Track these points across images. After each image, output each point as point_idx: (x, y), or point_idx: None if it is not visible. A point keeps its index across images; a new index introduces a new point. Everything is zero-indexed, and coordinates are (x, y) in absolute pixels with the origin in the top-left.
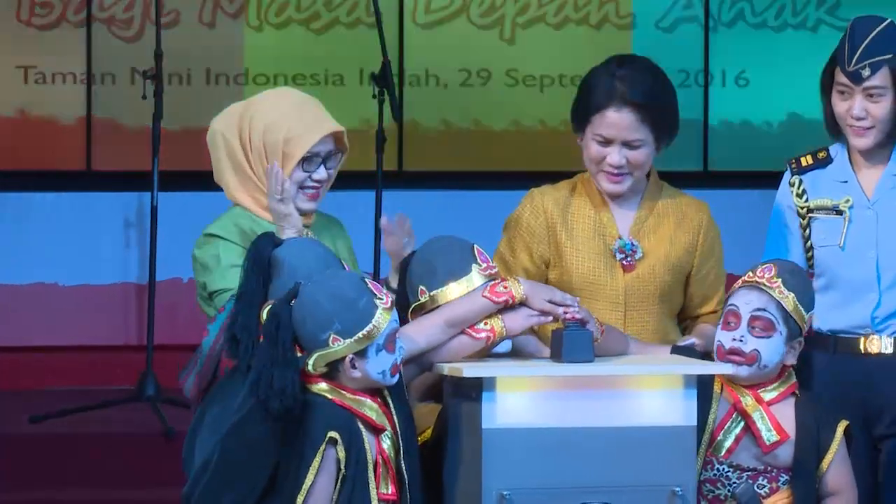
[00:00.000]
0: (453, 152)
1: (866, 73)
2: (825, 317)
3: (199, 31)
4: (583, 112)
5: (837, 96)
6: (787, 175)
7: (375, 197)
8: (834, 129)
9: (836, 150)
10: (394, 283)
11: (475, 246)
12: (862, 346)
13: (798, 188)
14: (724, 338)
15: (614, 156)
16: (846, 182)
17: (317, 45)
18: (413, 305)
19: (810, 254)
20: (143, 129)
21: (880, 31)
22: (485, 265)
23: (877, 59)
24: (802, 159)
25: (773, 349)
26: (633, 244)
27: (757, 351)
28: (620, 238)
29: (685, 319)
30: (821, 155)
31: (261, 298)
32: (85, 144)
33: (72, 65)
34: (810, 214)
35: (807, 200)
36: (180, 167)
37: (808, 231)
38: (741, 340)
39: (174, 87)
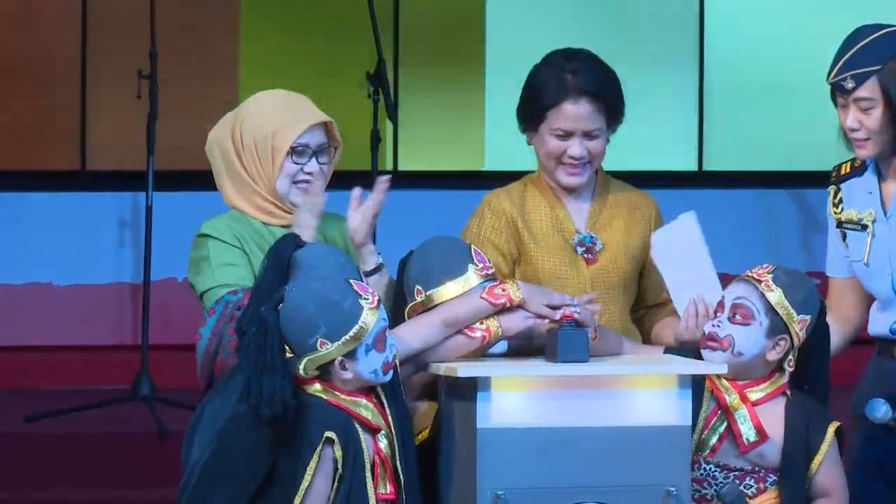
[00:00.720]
0: (448, 152)
1: (850, 84)
2: (870, 319)
3: (196, 28)
4: (536, 109)
5: (839, 108)
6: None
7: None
8: (846, 138)
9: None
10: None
11: (472, 246)
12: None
13: (835, 197)
14: (707, 325)
15: (575, 148)
16: (871, 193)
17: (312, 43)
18: (409, 305)
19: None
20: (138, 129)
21: (872, 40)
22: (481, 265)
23: (862, 70)
24: (843, 167)
25: (749, 338)
26: (592, 237)
27: (731, 336)
28: (578, 232)
29: (639, 310)
30: (857, 163)
31: (273, 295)
32: (80, 144)
33: (67, 63)
34: (842, 227)
35: (841, 211)
36: (175, 167)
37: (846, 241)
38: (718, 326)
39: (170, 87)
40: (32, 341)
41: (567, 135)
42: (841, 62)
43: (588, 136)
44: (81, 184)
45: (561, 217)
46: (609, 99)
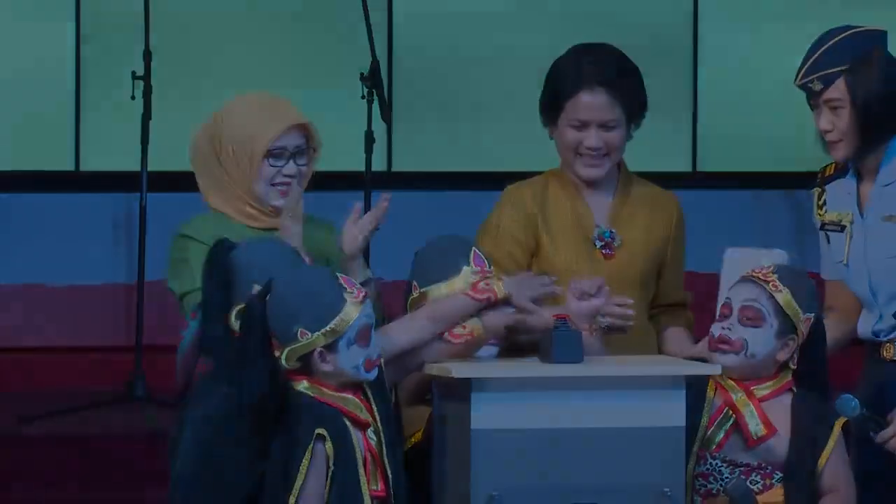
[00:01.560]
0: (443, 153)
1: (817, 86)
2: (859, 321)
3: (190, 28)
4: (554, 101)
5: (813, 110)
6: None
7: (364, 198)
8: (823, 141)
9: None
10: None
11: (474, 248)
12: (882, 352)
13: (819, 199)
14: (715, 328)
15: (591, 138)
16: (850, 194)
17: (306, 44)
18: (409, 299)
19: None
20: (132, 130)
21: (838, 41)
22: (478, 268)
23: (828, 71)
24: (827, 169)
25: (760, 340)
26: (611, 232)
27: (744, 339)
28: (598, 226)
29: (653, 308)
30: (841, 165)
31: (224, 306)
32: (74, 145)
33: (60, 64)
34: (825, 229)
35: (825, 213)
36: (169, 168)
37: (829, 243)
38: (729, 329)
39: (164, 88)
40: (26, 343)
41: (583, 125)
42: (807, 65)
43: (604, 126)
44: (75, 185)
45: (581, 211)
46: (626, 90)
